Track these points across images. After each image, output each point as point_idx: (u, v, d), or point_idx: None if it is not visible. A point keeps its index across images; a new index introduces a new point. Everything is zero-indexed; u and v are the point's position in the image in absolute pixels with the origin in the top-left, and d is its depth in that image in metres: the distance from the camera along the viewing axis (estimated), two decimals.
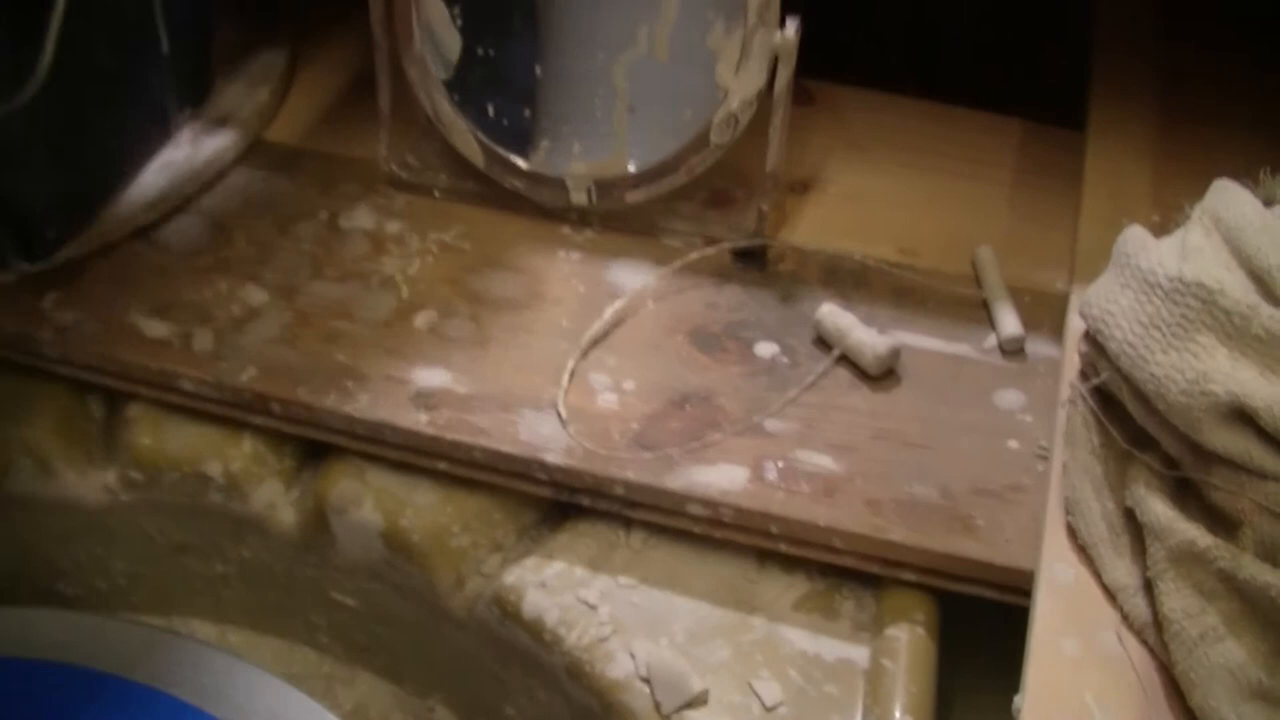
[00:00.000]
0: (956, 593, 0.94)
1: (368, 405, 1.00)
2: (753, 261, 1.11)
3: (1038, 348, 1.04)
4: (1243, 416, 0.78)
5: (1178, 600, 0.78)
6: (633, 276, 1.08)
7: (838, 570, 0.96)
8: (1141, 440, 0.85)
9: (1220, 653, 0.77)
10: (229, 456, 1.04)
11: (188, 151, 1.17)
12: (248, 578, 1.09)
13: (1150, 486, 0.83)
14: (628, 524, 0.98)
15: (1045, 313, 1.06)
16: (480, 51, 1.09)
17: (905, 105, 1.25)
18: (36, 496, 1.07)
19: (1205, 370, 0.78)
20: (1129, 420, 0.86)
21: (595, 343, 1.04)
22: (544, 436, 0.97)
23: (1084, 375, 0.90)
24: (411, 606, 1.03)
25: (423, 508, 1.00)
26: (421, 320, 1.06)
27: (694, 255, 1.09)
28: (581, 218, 1.13)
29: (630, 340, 1.04)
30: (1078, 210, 1.10)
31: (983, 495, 0.95)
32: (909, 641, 0.92)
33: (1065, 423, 0.91)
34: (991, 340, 1.05)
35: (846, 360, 1.03)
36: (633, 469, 0.95)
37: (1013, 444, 0.98)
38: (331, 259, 1.11)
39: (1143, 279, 0.83)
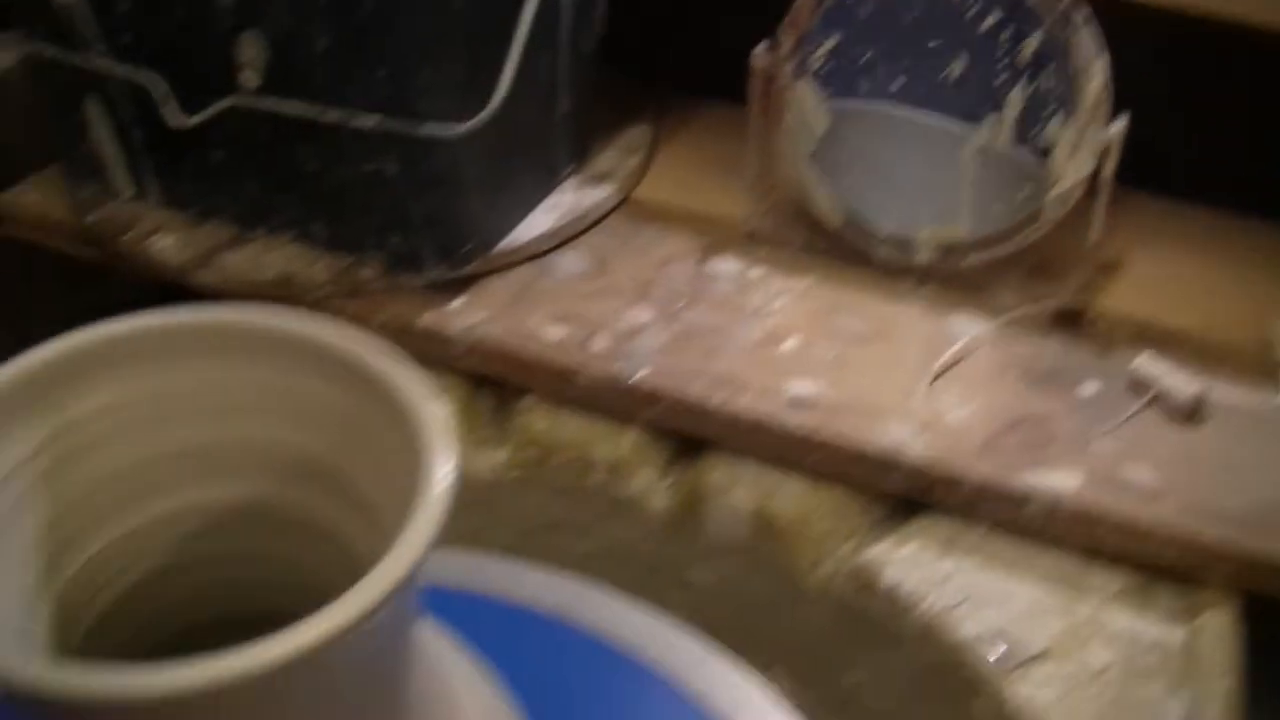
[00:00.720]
0: (1264, 595, 1.07)
1: (749, 405, 1.16)
2: (1070, 322, 1.27)
3: None
4: None
5: None
6: (968, 326, 1.25)
7: (1155, 568, 1.10)
8: None
9: None
10: (614, 445, 1.21)
11: (572, 199, 1.37)
12: (612, 556, 1.25)
13: None
14: (970, 519, 1.13)
15: None
16: (841, 131, 1.27)
17: (1201, 210, 1.41)
18: None
19: None
20: None
21: (940, 374, 1.20)
22: (901, 440, 1.14)
23: None
24: (765, 585, 1.19)
25: (788, 496, 1.16)
26: (788, 345, 1.23)
27: (1021, 311, 1.25)
28: (922, 277, 1.30)
29: (969, 375, 1.20)
30: None
31: None
32: (1218, 630, 1.05)
33: None
34: None
35: (1159, 403, 1.18)
36: (979, 471, 1.11)
37: None
38: (704, 293, 1.29)
39: None
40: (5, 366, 0.66)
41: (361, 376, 0.66)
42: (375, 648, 0.60)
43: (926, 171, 1.28)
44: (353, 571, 0.55)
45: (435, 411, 0.61)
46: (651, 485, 1.21)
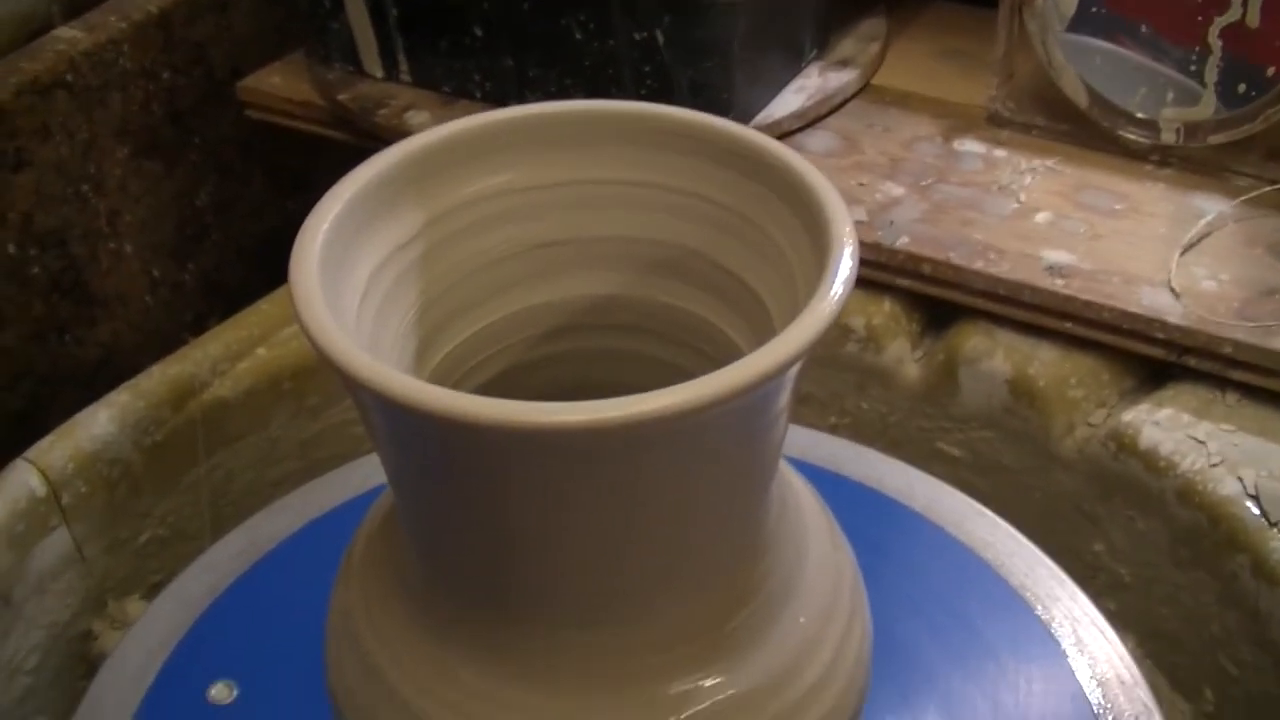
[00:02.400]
0: None
1: (1008, 270, 1.20)
2: None
3: None
4: None
5: None
6: (1211, 204, 1.27)
7: None
8: None
9: None
10: (871, 313, 1.25)
11: (818, 81, 1.41)
12: (858, 429, 1.29)
13: None
14: (1222, 386, 1.16)
15: None
16: (1094, 9, 1.29)
17: None
18: None
19: None
20: None
21: (1191, 246, 1.22)
22: (1161, 304, 1.16)
23: None
24: (1018, 453, 1.22)
25: (1046, 362, 1.19)
26: (1040, 218, 1.26)
27: (1264, 190, 1.27)
28: (1163, 157, 1.32)
29: (1218, 248, 1.23)
30: None
31: None
32: None
33: None
34: None
35: None
36: (1240, 332, 1.14)
37: None
38: (952, 170, 1.32)
39: None
40: (387, 151, 0.68)
41: (768, 170, 0.67)
42: (768, 417, 0.62)
43: (1176, 52, 1.29)
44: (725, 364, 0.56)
45: (839, 211, 0.63)
46: (904, 355, 1.24)
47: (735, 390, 0.54)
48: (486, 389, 0.75)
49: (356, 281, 0.65)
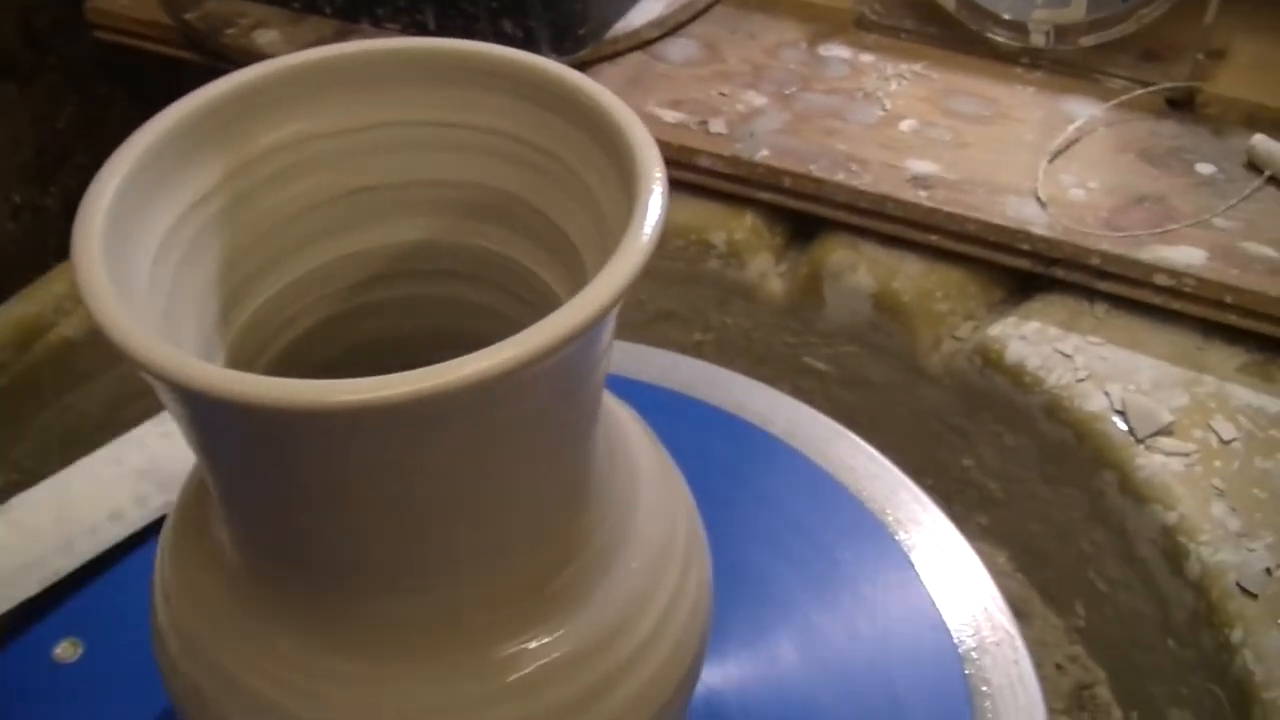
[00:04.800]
0: None
1: (871, 182, 1.17)
2: (1182, 106, 1.26)
3: None
4: None
5: None
6: (1082, 108, 1.25)
7: (1275, 343, 1.10)
8: None
9: None
10: (732, 228, 1.21)
11: None
12: (723, 346, 1.26)
13: None
14: (1090, 297, 1.14)
15: None
16: None
17: None
18: None
19: None
20: None
21: (1059, 152, 1.20)
22: (1027, 215, 1.14)
23: None
24: (884, 368, 1.19)
25: (911, 275, 1.16)
26: (905, 126, 1.23)
27: (1137, 92, 1.24)
28: (1032, 60, 1.29)
29: (1088, 154, 1.20)
30: None
31: None
32: None
33: None
34: None
35: (1276, 181, 1.18)
36: (1107, 242, 1.11)
37: None
38: (817, 77, 1.28)
39: None
40: (185, 99, 0.64)
41: (578, 108, 0.64)
42: (583, 370, 0.59)
43: None
44: (545, 312, 0.54)
45: (649, 150, 0.60)
46: (767, 269, 1.21)
47: (524, 361, 0.51)
48: (302, 343, 0.72)
49: (150, 241, 0.62)
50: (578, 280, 0.60)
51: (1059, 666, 1.13)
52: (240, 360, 0.66)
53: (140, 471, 0.93)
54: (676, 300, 1.23)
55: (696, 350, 1.25)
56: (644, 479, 0.71)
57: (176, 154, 0.62)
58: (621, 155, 0.61)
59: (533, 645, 0.63)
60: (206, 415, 0.55)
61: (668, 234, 1.19)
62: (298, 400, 0.50)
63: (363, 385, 0.50)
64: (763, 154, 1.16)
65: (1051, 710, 1.05)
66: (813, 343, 1.20)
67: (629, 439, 0.72)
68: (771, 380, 1.17)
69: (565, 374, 0.57)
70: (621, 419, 0.73)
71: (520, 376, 0.51)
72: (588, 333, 0.53)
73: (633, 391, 1.01)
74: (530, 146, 0.66)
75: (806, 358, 1.21)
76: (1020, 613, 1.15)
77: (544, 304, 0.61)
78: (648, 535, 0.70)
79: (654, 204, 0.57)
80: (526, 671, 0.63)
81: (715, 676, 0.86)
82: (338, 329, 0.72)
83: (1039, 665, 1.06)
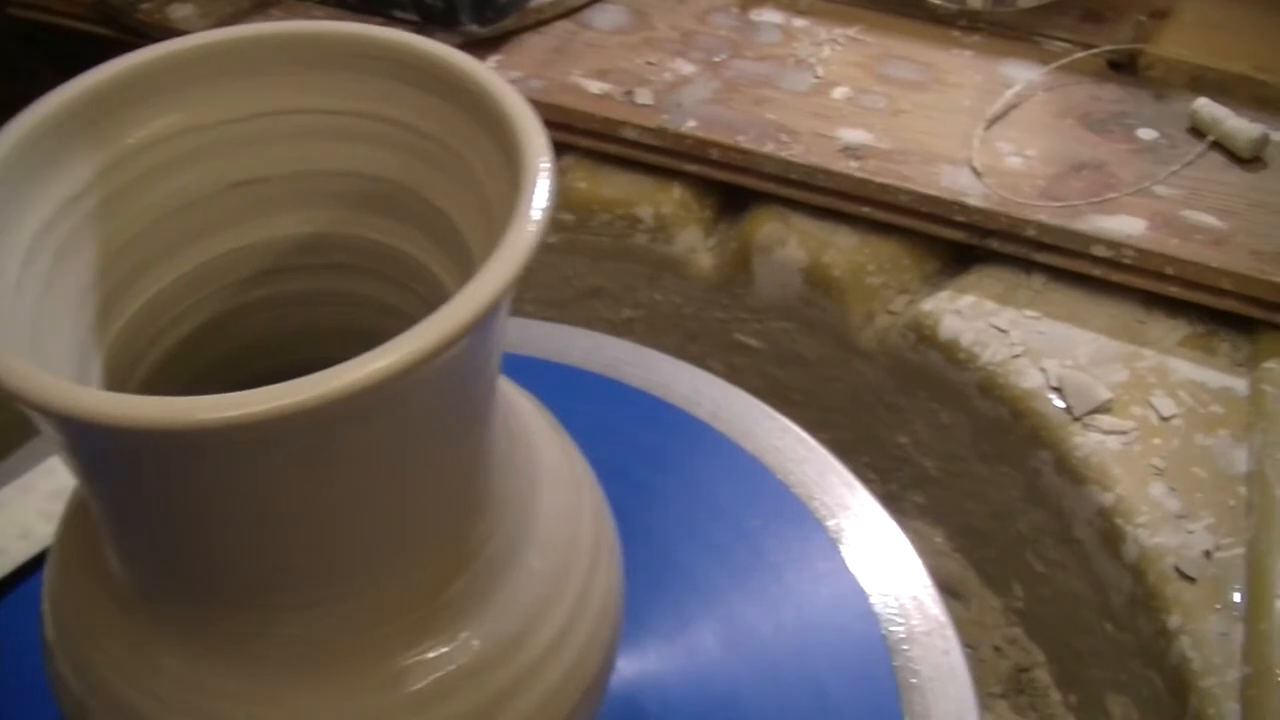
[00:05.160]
0: None
1: (802, 153, 1.13)
2: (1125, 69, 1.23)
3: None
4: None
5: None
6: (1021, 72, 1.21)
7: (1217, 315, 1.07)
8: None
9: None
10: (659, 201, 1.17)
11: None
12: (653, 322, 1.22)
13: None
14: (1028, 269, 1.10)
15: None
16: None
17: None
18: None
19: None
20: None
21: (997, 118, 1.16)
22: (962, 185, 1.10)
23: None
24: (817, 344, 1.16)
25: (843, 248, 1.13)
26: (838, 93, 1.19)
27: (1077, 55, 1.21)
28: (970, 23, 1.26)
29: (1027, 120, 1.17)
30: None
31: None
32: None
33: None
34: None
35: (1219, 146, 1.14)
36: (1044, 213, 1.08)
37: None
38: (748, 44, 1.25)
39: None
40: (53, 93, 0.61)
41: (465, 93, 0.61)
42: (469, 371, 0.57)
43: None
44: (436, 307, 0.51)
45: (535, 132, 0.57)
46: (697, 244, 1.18)
47: (385, 378, 0.48)
48: (190, 342, 0.69)
49: (17, 243, 0.59)
50: (465, 273, 0.56)
51: (997, 649, 1.10)
52: (122, 364, 0.62)
53: (50, 493, 0.91)
54: (605, 276, 1.20)
55: (627, 327, 1.22)
56: (546, 475, 0.69)
57: (45, 151, 0.59)
58: (507, 142, 0.58)
59: (431, 655, 0.61)
60: (64, 431, 0.52)
61: (594, 208, 1.16)
62: (141, 419, 0.47)
63: (211, 403, 0.47)
64: (690, 125, 1.12)
65: (989, 694, 1.03)
66: (744, 318, 1.17)
67: (531, 433, 0.69)
68: (704, 357, 1.14)
69: (444, 380, 0.54)
70: (523, 412, 0.70)
71: (386, 390, 0.48)
72: (462, 339, 0.50)
73: (553, 375, 0.99)
74: (416, 133, 0.63)
75: (738, 334, 1.18)
76: (958, 593, 1.13)
77: (436, 299, 0.57)
78: (550, 535, 0.67)
79: (539, 196, 0.54)
80: (425, 683, 0.61)
81: (634, 670, 0.83)
82: (228, 326, 0.69)
83: (976, 648, 1.03)
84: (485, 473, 0.62)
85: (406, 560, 0.60)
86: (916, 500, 1.15)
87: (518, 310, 1.12)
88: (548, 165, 0.54)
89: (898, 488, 1.16)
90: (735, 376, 1.14)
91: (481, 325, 0.49)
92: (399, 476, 0.57)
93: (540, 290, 1.21)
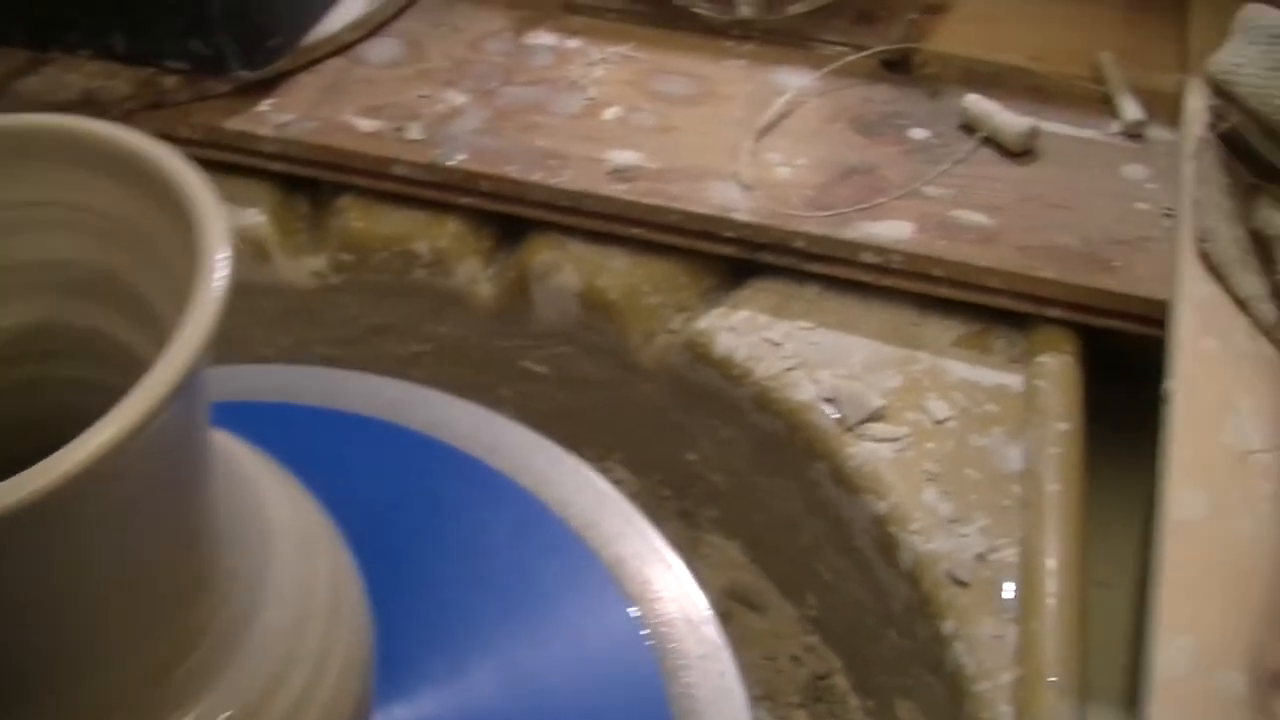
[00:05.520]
0: (1098, 328, 1.05)
1: (570, 179, 1.12)
2: (899, 68, 1.23)
3: (1156, 133, 1.17)
4: None
5: None
6: (794, 78, 1.21)
7: (991, 312, 1.07)
8: (1267, 175, 0.97)
9: None
10: (435, 235, 1.17)
11: None
12: (441, 355, 1.22)
13: (1276, 208, 0.95)
14: (801, 280, 1.10)
15: (1161, 107, 1.18)
16: None
17: None
18: (252, 282, 1.20)
19: None
20: (1255, 160, 0.99)
21: (768, 129, 1.16)
22: (730, 200, 1.10)
23: (1212, 126, 1.03)
24: (600, 367, 1.16)
25: (617, 271, 1.12)
26: (610, 114, 1.19)
27: (850, 58, 1.21)
28: (743, 32, 1.26)
29: (797, 128, 1.17)
30: (1186, 23, 1.23)
31: (1119, 244, 1.07)
32: (1058, 366, 1.03)
33: (1195, 169, 1.03)
34: (1116, 126, 1.18)
35: (991, 142, 1.15)
36: (812, 224, 1.08)
37: (1141, 206, 1.11)
38: (521, 68, 1.24)
39: (1268, 33, 0.96)
40: None
41: (145, 175, 0.61)
42: (163, 460, 0.56)
43: None
44: None
45: (211, 207, 0.57)
46: (476, 275, 1.17)
47: (62, 484, 0.47)
48: None
49: None
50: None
51: (795, 658, 1.11)
52: None
53: None
54: (389, 313, 1.19)
55: (416, 361, 1.21)
56: (278, 539, 0.69)
57: None
58: (188, 224, 0.58)
59: None
60: None
61: (372, 246, 1.15)
62: None
63: None
64: (460, 158, 1.12)
65: (788, 705, 1.03)
66: (528, 345, 1.16)
67: (261, 497, 0.69)
68: (494, 386, 1.14)
69: (134, 475, 0.54)
70: (249, 475, 0.70)
71: (67, 494, 0.48)
72: (135, 439, 0.49)
73: (331, 423, 0.98)
74: (112, 219, 0.63)
75: (524, 361, 1.18)
76: (756, 604, 1.13)
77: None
78: (283, 601, 0.67)
79: (216, 279, 0.54)
80: None
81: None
82: None
83: (775, 658, 1.04)
84: (209, 545, 0.62)
85: (133, 641, 0.60)
86: (710, 515, 1.15)
87: (304, 355, 1.12)
88: (225, 255, 0.54)
89: (692, 504, 1.16)
90: (526, 403, 1.14)
91: (158, 419, 0.48)
92: (109, 565, 0.57)
93: (327, 330, 1.20)
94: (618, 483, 1.14)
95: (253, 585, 0.66)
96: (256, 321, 1.22)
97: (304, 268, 1.20)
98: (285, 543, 0.70)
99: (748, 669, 1.04)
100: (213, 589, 0.64)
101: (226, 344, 1.14)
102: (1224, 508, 0.83)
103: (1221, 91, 0.99)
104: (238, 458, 0.70)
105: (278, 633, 0.67)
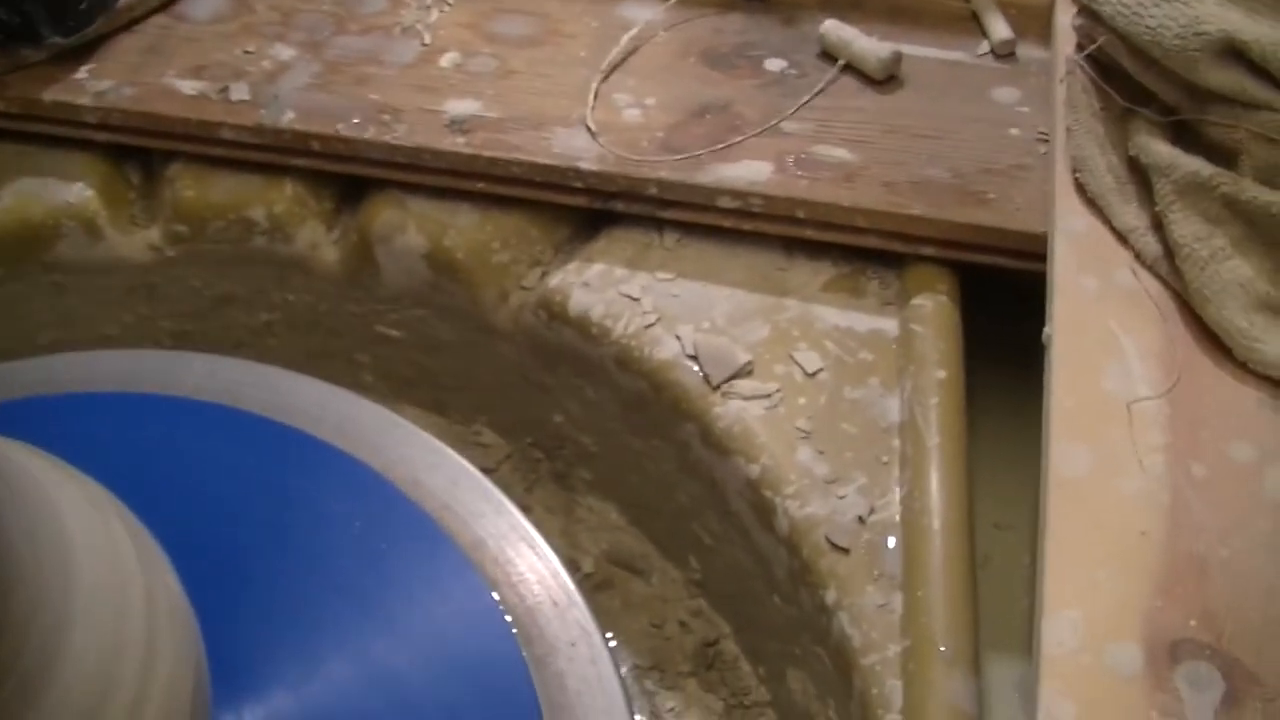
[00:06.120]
0: (975, 264, 0.99)
1: (406, 134, 1.06)
2: None
3: (1027, 52, 1.11)
4: (1234, 53, 0.85)
5: (1187, 227, 0.85)
6: (642, 11, 1.15)
7: (862, 253, 1.02)
8: (1139, 98, 0.92)
9: (1229, 269, 0.84)
10: (271, 200, 1.10)
11: None
12: (292, 323, 1.15)
13: (1151, 133, 0.90)
14: (660, 227, 1.04)
15: (1031, 23, 1.13)
16: None
17: None
18: (85, 260, 1.13)
19: (1197, 15, 0.85)
20: (1126, 82, 0.93)
21: (614, 67, 1.10)
22: (577, 148, 1.04)
23: (1080, 48, 0.97)
24: (456, 329, 1.09)
25: (463, 228, 1.06)
26: (446, 60, 1.12)
27: None
28: None
29: (646, 64, 1.11)
30: None
31: (991, 174, 1.01)
32: (934, 308, 0.97)
33: (1065, 93, 0.98)
34: (984, 47, 1.12)
35: (852, 69, 1.09)
36: (664, 169, 1.02)
37: (1014, 131, 1.05)
38: (352, 16, 1.17)
39: None
40: None
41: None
42: None
43: None
44: None
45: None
46: (319, 239, 1.11)
47: None
48: None
49: None
50: None
51: (683, 623, 1.06)
52: None
53: None
54: (234, 282, 1.12)
55: (267, 330, 1.14)
56: (80, 562, 0.64)
57: None
58: None
59: None
60: None
61: (206, 215, 1.09)
62: None
63: None
64: (288, 118, 1.05)
65: (678, 674, 0.98)
66: (380, 310, 1.10)
67: (60, 518, 0.64)
68: (349, 351, 1.09)
69: None
70: (45, 497, 0.64)
71: None
72: None
73: (161, 408, 0.91)
74: None
75: (378, 326, 1.11)
76: (638, 568, 1.07)
77: None
78: (92, 627, 0.62)
79: None
80: None
81: None
82: None
83: (662, 625, 0.98)
84: None
85: None
86: (584, 476, 1.10)
87: (151, 331, 1.05)
88: None
89: (564, 466, 1.10)
90: (385, 367, 1.11)
91: None
92: None
93: (172, 305, 1.14)
94: (486, 447, 1.08)
95: (56, 618, 0.62)
96: (96, 301, 1.16)
97: (139, 241, 1.13)
98: (89, 560, 0.65)
99: (634, 637, 0.99)
100: (10, 628, 0.59)
101: (68, 326, 1.08)
102: (1110, 462, 0.77)
103: (1087, 10, 0.93)
104: (35, 479, 0.64)
105: (85, 675, 0.62)
